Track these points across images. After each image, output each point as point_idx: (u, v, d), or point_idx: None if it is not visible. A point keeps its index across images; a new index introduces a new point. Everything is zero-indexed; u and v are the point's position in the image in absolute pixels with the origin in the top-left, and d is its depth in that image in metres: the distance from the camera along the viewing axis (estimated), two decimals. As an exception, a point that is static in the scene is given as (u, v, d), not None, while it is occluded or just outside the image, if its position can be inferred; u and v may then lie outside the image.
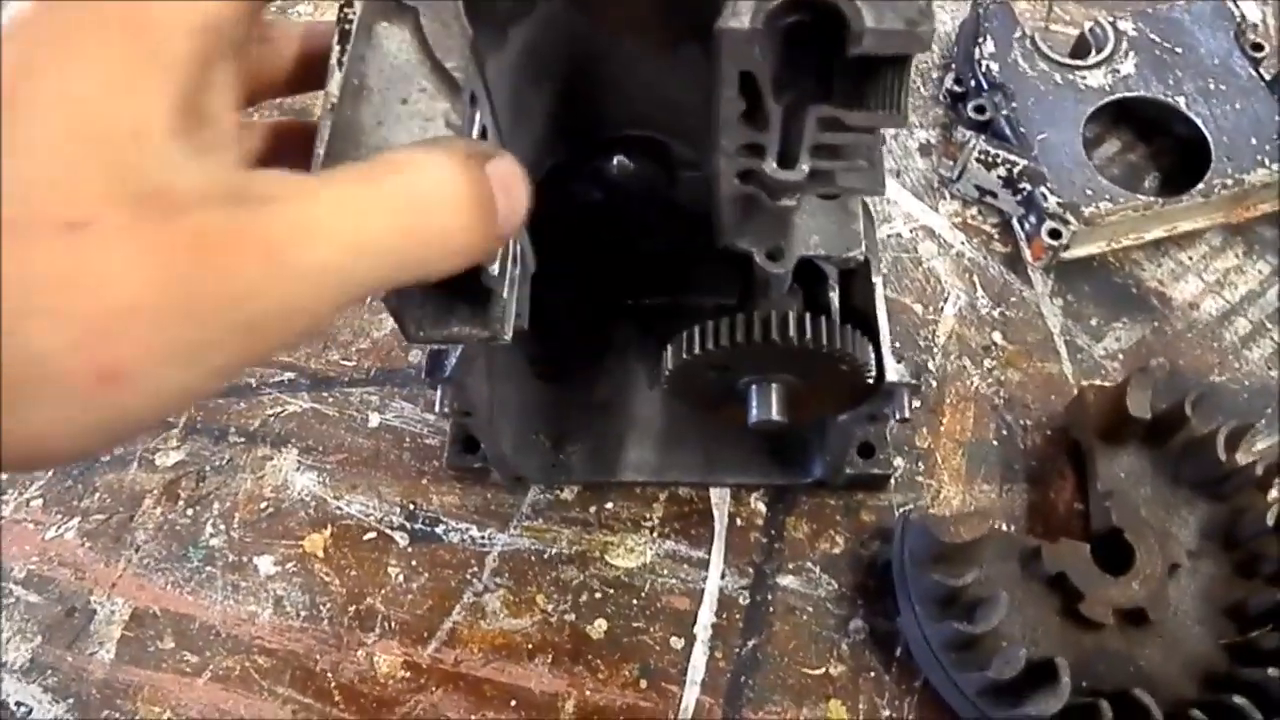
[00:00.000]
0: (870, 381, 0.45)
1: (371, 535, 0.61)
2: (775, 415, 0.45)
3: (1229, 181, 0.65)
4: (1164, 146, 0.71)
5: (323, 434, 0.65)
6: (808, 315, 0.42)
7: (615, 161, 0.51)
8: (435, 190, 0.27)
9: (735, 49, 0.31)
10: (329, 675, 0.57)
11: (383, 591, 0.60)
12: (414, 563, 0.60)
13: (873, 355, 0.45)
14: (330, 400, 0.66)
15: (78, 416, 0.23)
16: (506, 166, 0.29)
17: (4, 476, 0.64)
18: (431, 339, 0.34)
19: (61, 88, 0.23)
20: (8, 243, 0.21)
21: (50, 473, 0.64)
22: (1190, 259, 0.68)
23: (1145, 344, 0.65)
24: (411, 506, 0.62)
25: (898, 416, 0.46)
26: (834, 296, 0.47)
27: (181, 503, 0.63)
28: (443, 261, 0.28)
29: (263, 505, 0.62)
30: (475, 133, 0.32)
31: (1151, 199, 0.65)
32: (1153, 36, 0.71)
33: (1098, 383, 0.63)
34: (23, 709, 0.57)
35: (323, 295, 0.25)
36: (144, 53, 0.24)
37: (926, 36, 0.30)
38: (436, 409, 0.47)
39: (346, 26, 0.30)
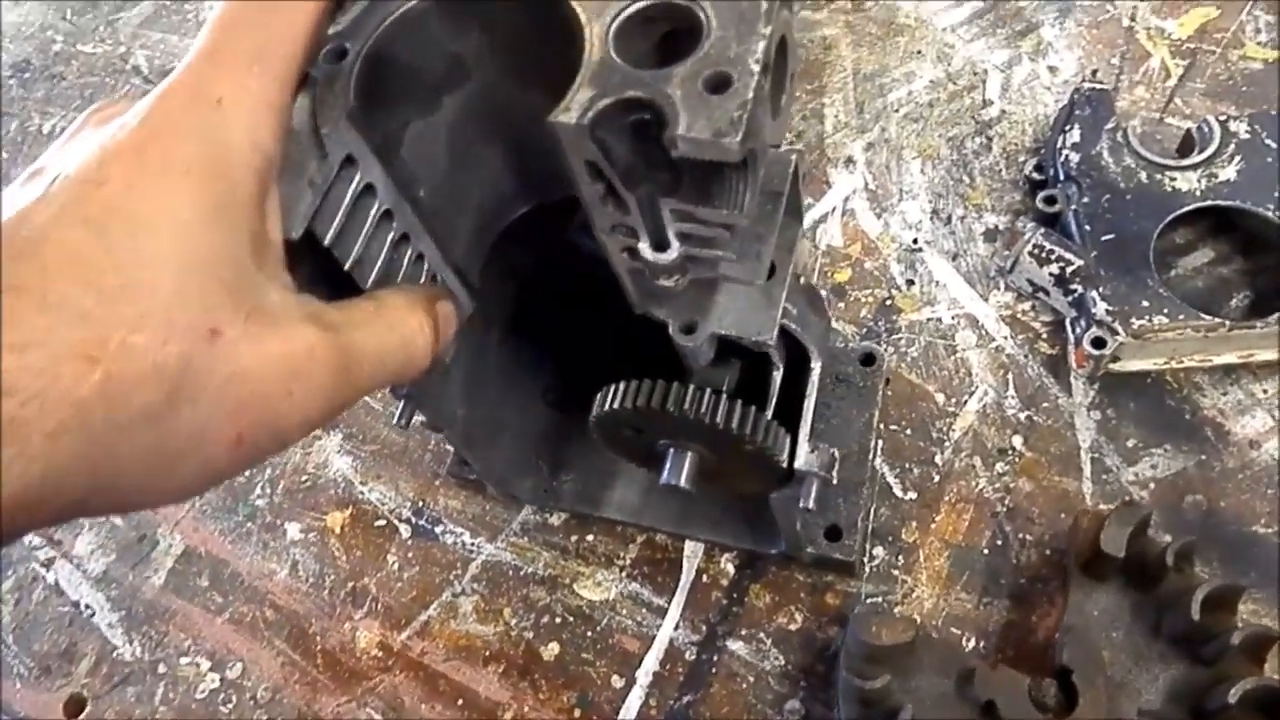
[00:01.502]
0: (782, 466, 0.45)
1: (381, 523, 0.68)
2: (684, 482, 0.46)
3: (1319, 313, 0.58)
4: (1265, 264, 0.64)
5: (365, 424, 0.72)
6: (715, 395, 0.44)
7: None
8: (416, 325, 0.37)
9: (571, 141, 0.33)
10: (317, 639, 0.64)
11: (379, 575, 0.66)
12: (410, 554, 0.66)
13: (784, 443, 0.45)
14: (378, 396, 0.73)
15: (214, 471, 0.31)
16: (446, 308, 0.40)
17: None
18: None
19: (170, 213, 0.29)
20: (174, 344, 0.28)
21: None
22: (1264, 393, 0.61)
23: (1185, 477, 0.59)
24: (420, 503, 0.68)
25: (801, 505, 0.45)
26: (776, 376, 0.48)
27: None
28: (412, 371, 0.38)
29: (303, 478, 0.71)
30: (351, 189, 0.37)
31: (1217, 320, 0.59)
32: (1268, 142, 0.64)
33: (1110, 508, 0.58)
34: (89, 611, 0.68)
35: (357, 397, 0.35)
36: (225, 191, 0.31)
37: (733, 148, 0.31)
38: (395, 419, 0.52)
39: None
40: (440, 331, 0.39)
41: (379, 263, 0.40)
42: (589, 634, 0.62)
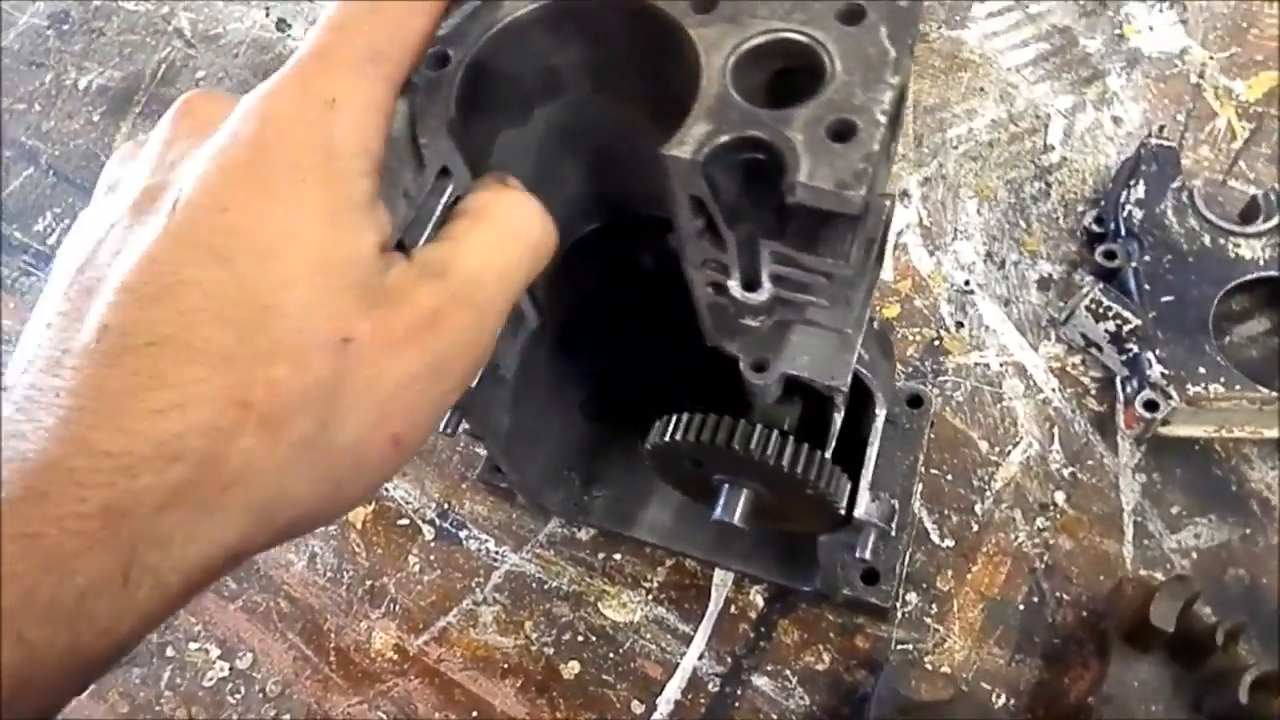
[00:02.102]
0: (840, 512, 0.44)
1: (405, 522, 0.67)
2: (737, 520, 0.45)
3: (1378, 397, 0.57)
4: (1322, 339, 0.64)
5: (393, 420, 0.71)
6: (778, 436, 0.43)
7: (670, 235, 0.54)
8: (516, 212, 0.35)
9: (680, 175, 0.32)
10: (331, 635, 0.63)
11: (398, 575, 0.65)
12: (432, 557, 0.65)
13: (845, 488, 0.44)
14: (409, 391, 0.72)
15: (376, 478, 0.31)
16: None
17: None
18: None
19: (291, 231, 0.28)
20: (312, 368, 0.27)
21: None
22: (1313, 471, 0.60)
23: (1228, 550, 0.58)
24: (446, 506, 0.67)
25: (857, 555, 0.45)
26: (837, 418, 0.47)
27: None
28: (541, 261, 0.35)
29: (326, 469, 0.69)
30: (444, 201, 0.35)
31: (1274, 395, 0.58)
32: (1335, 216, 0.63)
33: (1153, 575, 0.57)
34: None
35: (499, 318, 0.33)
36: (344, 197, 0.30)
37: (856, 201, 0.30)
38: (441, 427, 0.51)
39: None
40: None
41: None
42: (611, 655, 0.61)
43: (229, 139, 0.29)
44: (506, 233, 0.34)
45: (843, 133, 0.31)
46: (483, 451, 0.68)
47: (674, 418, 0.46)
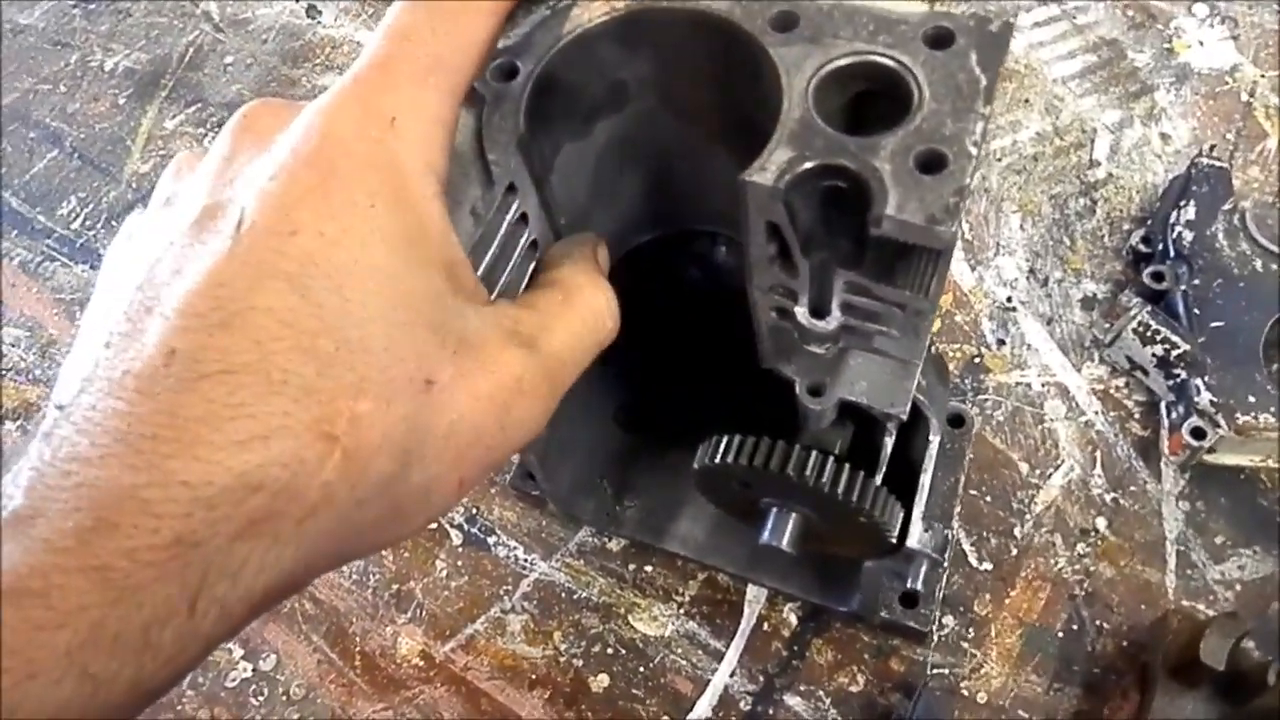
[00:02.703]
0: (891, 541, 0.44)
1: (433, 526, 0.66)
2: (785, 545, 0.45)
3: None
4: (1373, 370, 0.63)
5: (422, 421, 0.70)
6: (833, 462, 0.42)
7: (719, 249, 0.52)
8: (602, 304, 0.36)
9: (759, 201, 0.31)
10: (357, 639, 0.62)
11: (425, 580, 0.64)
12: (459, 563, 0.64)
13: (899, 516, 0.43)
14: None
15: (436, 514, 0.31)
16: (603, 253, 0.40)
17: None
18: None
19: (364, 259, 0.27)
20: (398, 406, 0.27)
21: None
22: (1361, 504, 0.59)
23: (1272, 584, 0.58)
24: (474, 511, 0.66)
25: (909, 585, 0.44)
26: (888, 442, 0.46)
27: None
28: (602, 347, 0.37)
29: (353, 469, 0.68)
30: (508, 219, 0.34)
31: (1326, 427, 0.57)
32: (1391, 245, 0.62)
33: (1196, 606, 0.56)
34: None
35: (563, 392, 0.34)
36: (412, 222, 0.29)
37: (947, 237, 0.29)
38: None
39: None
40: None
41: (519, 293, 0.37)
42: (641, 669, 0.60)
43: (291, 156, 0.28)
44: (589, 320, 0.35)
45: (932, 164, 0.30)
46: (515, 458, 0.67)
47: (724, 439, 0.45)
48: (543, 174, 0.37)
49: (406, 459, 0.27)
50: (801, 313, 0.37)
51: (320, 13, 0.92)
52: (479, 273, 0.34)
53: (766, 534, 0.45)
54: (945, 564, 0.44)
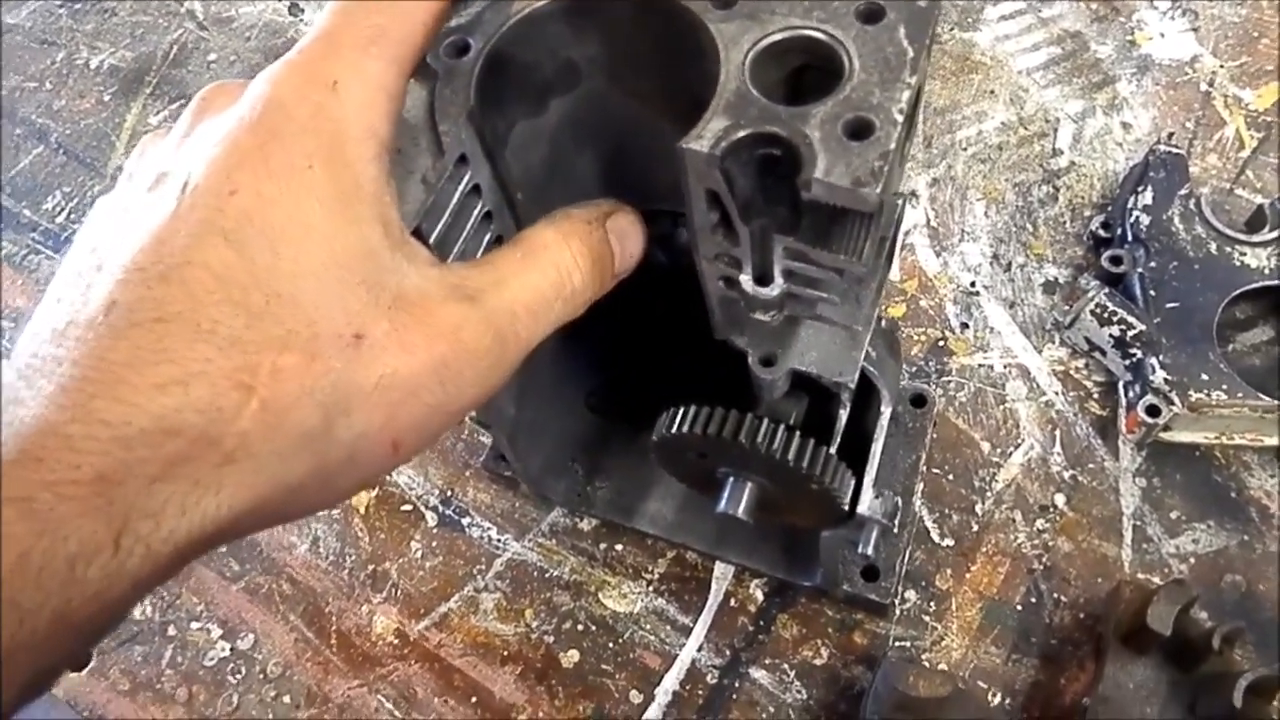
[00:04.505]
0: (843, 508, 0.45)
1: (408, 508, 0.67)
2: (741, 513, 0.46)
3: (1379, 407, 0.58)
4: (1324, 349, 0.64)
5: (399, 406, 0.71)
6: (784, 430, 0.43)
7: (680, 230, 0.54)
8: (571, 260, 0.35)
9: (698, 169, 0.32)
10: (333, 619, 0.64)
11: (400, 561, 0.65)
12: (434, 544, 0.66)
13: (849, 484, 0.45)
14: (414, 378, 0.72)
15: (369, 477, 0.31)
16: (624, 221, 0.38)
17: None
18: None
19: (299, 218, 0.28)
20: (321, 361, 0.27)
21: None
22: (1312, 479, 0.61)
23: (1225, 557, 0.59)
24: (449, 493, 0.67)
25: (860, 550, 0.45)
26: (842, 414, 0.47)
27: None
28: (576, 308, 0.36)
29: (331, 453, 0.70)
30: (460, 189, 0.36)
31: (1276, 403, 0.59)
32: (1341, 227, 0.64)
33: (1150, 579, 0.58)
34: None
35: (521, 351, 0.33)
36: (349, 182, 0.30)
37: (872, 199, 0.30)
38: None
39: None
40: (619, 253, 0.38)
41: None
42: (610, 645, 0.61)
43: (235, 123, 0.29)
44: (550, 275, 0.35)
45: (860, 131, 0.32)
46: (487, 440, 0.69)
47: (681, 410, 0.46)
48: (496, 148, 0.39)
49: (330, 413, 0.27)
50: (746, 280, 0.38)
51: (302, 10, 0.93)
52: (431, 239, 0.35)
53: (723, 503, 0.46)
54: (896, 531, 0.45)
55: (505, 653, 0.61)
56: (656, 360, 0.65)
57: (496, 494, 0.67)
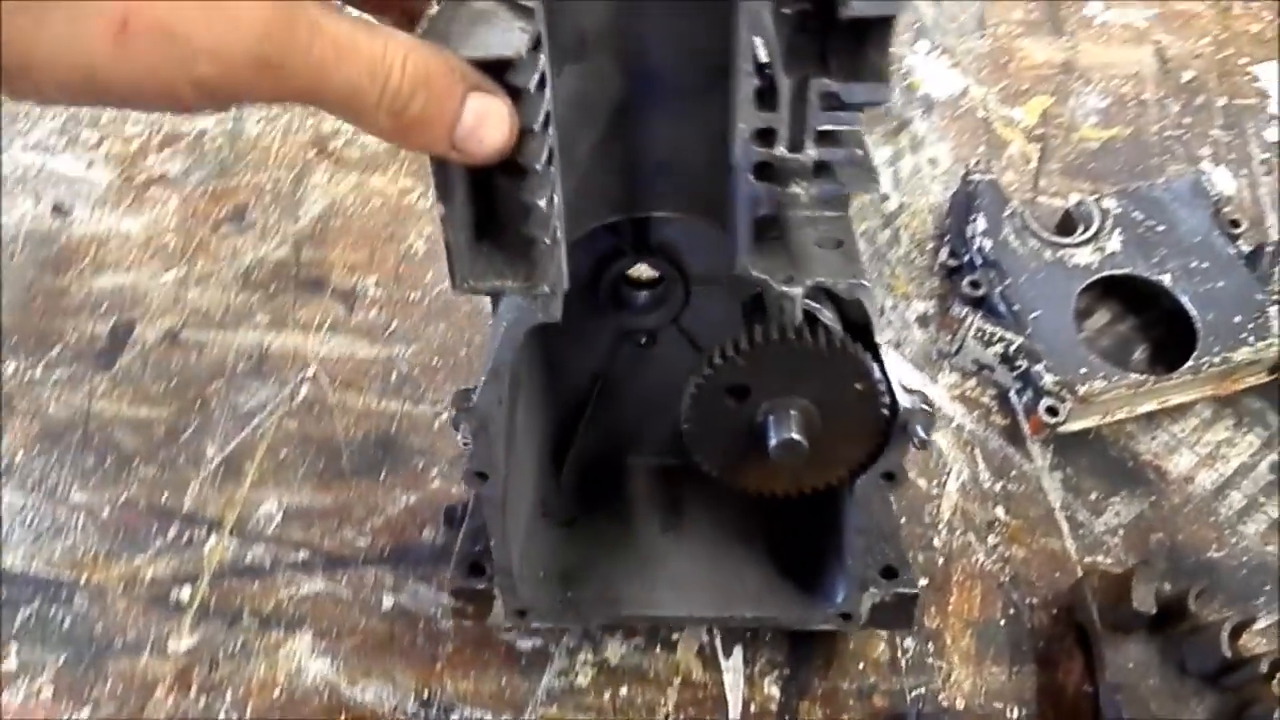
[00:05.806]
0: (885, 410, 0.47)
1: (389, 726, 0.61)
2: (795, 434, 0.46)
3: (1216, 360, 0.68)
4: (1153, 319, 0.74)
5: (336, 616, 0.65)
6: (825, 328, 0.45)
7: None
8: (406, 71, 0.32)
9: (752, 18, 0.36)
10: None
11: (398, 785, 0.59)
12: (429, 754, 0.60)
13: (882, 376, 0.46)
14: (345, 580, 0.66)
15: (88, 56, 0.27)
16: (494, 105, 0.35)
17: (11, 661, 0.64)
18: (478, 289, 0.42)
19: None
20: None
21: (61, 660, 0.64)
22: (1182, 432, 0.70)
23: (1144, 519, 0.67)
24: (425, 693, 0.62)
25: (917, 441, 0.47)
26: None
27: (194, 691, 0.62)
28: (382, 123, 0.33)
29: (276, 693, 0.62)
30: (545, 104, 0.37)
31: (1143, 377, 0.67)
32: (1135, 214, 0.74)
33: (1100, 560, 0.64)
34: None
35: (292, 97, 0.31)
36: None
37: None
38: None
39: None
40: (467, 122, 0.34)
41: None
42: (651, 794, 0.59)
43: None
44: (388, 67, 0.32)
45: None
46: (445, 624, 0.64)
47: (716, 350, 0.46)
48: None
49: None
50: (780, 150, 0.41)
51: (69, 210, 0.84)
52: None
53: (774, 439, 0.47)
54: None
55: (546, 843, 0.58)
56: (608, 464, 0.65)
57: (478, 677, 0.63)
